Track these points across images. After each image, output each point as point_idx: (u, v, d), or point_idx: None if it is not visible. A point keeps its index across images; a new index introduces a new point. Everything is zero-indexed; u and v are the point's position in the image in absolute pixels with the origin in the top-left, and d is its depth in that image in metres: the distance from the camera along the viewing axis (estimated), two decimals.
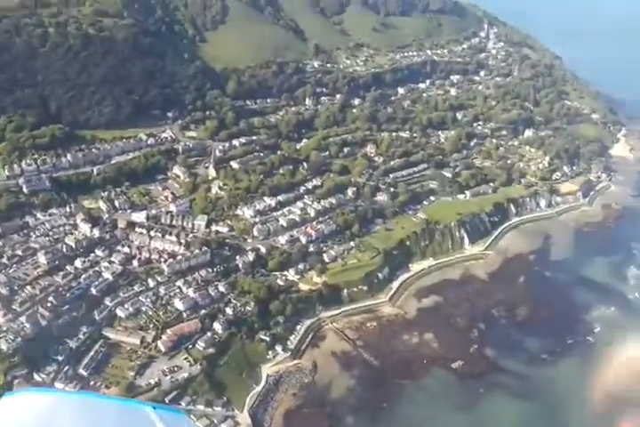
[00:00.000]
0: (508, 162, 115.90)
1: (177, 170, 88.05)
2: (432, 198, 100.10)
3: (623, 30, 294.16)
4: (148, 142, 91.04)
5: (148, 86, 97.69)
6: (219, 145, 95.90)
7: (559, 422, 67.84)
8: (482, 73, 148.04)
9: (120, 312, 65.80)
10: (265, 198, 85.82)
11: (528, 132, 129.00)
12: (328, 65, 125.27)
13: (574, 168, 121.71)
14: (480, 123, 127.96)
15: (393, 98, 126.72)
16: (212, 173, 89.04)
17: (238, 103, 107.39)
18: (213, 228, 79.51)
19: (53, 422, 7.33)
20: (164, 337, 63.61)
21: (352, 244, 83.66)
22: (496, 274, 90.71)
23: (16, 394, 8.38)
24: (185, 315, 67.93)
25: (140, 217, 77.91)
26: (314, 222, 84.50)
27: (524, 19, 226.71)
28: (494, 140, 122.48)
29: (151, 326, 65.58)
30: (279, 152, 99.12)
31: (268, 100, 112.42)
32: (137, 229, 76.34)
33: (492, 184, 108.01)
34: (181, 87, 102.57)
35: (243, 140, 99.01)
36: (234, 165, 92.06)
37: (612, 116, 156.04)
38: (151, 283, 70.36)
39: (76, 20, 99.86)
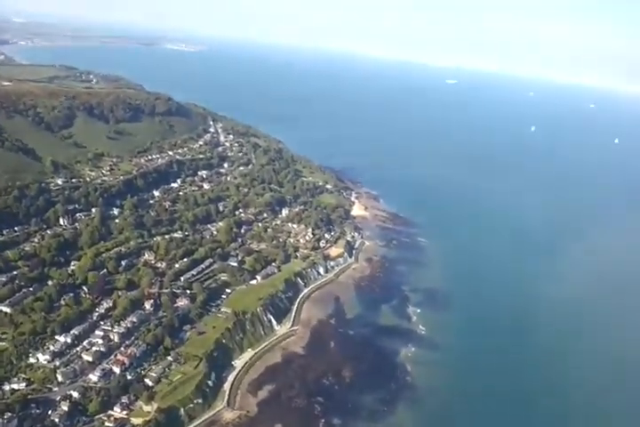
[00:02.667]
0: (280, 240, 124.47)
1: None
2: (228, 291, 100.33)
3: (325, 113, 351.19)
4: None
5: None
6: None
7: None
8: (225, 165, 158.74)
9: None
10: (57, 337, 74.18)
11: (285, 211, 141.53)
12: (73, 180, 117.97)
13: (332, 233, 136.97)
14: (241, 210, 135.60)
15: (152, 201, 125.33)
16: None
17: None
18: (6, 387, 65.26)
19: None
20: None
21: (170, 358, 77.48)
22: (310, 346, 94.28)
23: None
24: None
25: None
26: (122, 348, 76.02)
27: (237, 110, 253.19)
28: (260, 224, 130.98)
29: None
30: (50, 282, 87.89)
31: (17, 229, 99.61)
32: None
33: (274, 264, 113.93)
34: None
35: (2, 278, 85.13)
36: (5, 309, 78.12)
37: (340, 183, 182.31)
38: None
39: None
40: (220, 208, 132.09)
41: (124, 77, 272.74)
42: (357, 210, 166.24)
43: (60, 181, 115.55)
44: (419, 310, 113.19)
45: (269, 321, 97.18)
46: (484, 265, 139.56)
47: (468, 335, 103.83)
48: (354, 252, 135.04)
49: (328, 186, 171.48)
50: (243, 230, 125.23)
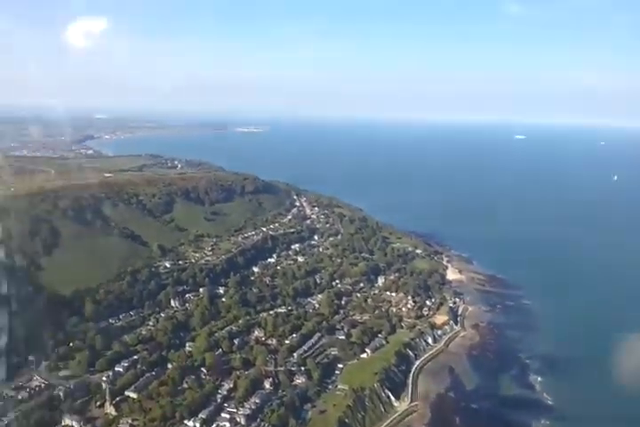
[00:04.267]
0: (382, 310, 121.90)
1: (69, 420, 72.18)
2: (340, 366, 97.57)
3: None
4: (20, 397, 74.32)
5: (2, 332, 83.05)
6: (102, 376, 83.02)
7: None
8: (315, 237, 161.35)
9: None
10: (186, 422, 73.65)
11: (380, 279, 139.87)
12: (180, 262, 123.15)
13: (433, 300, 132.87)
14: (337, 281, 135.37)
15: (252, 278, 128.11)
16: (110, 410, 74.89)
17: (102, 324, 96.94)
18: None
19: None
20: None
21: None
22: (435, 422, 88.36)
23: None
24: None
25: None
26: None
27: (310, 182, 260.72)
28: (359, 294, 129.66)
29: None
30: (170, 365, 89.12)
31: (132, 313, 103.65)
32: None
33: (380, 335, 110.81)
34: (35, 322, 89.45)
35: (125, 363, 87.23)
36: (131, 394, 79.26)
37: (429, 247, 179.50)
38: None
39: None
40: (317, 280, 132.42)
41: (206, 161, 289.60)
42: (452, 274, 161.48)
43: (167, 264, 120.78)
44: (540, 379, 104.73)
45: (388, 397, 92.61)
46: (601, 326, 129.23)
47: (600, 406, 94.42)
48: (458, 318, 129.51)
49: (418, 251, 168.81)
50: (343, 302, 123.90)
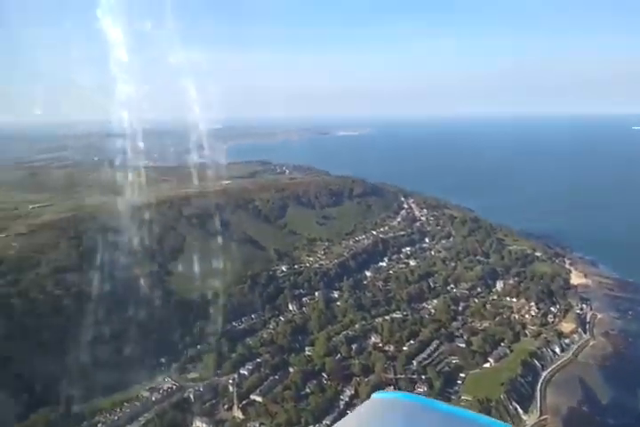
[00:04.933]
0: (504, 317, 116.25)
1: (199, 422, 76.12)
2: (462, 375, 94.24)
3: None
4: (154, 399, 79.79)
5: (136, 336, 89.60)
6: (228, 379, 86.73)
7: None
8: (426, 239, 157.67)
9: None
10: None
11: (499, 284, 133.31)
12: (295, 266, 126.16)
13: (558, 306, 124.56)
14: (452, 285, 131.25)
15: (365, 282, 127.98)
16: (238, 413, 77.99)
17: (226, 327, 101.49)
18: None
19: None
20: None
21: None
22: None
23: (385, 395, 7.73)
24: None
25: None
26: None
27: (416, 184, 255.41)
28: (476, 300, 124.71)
29: None
30: (291, 369, 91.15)
31: (253, 316, 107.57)
32: None
33: (503, 344, 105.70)
34: (165, 326, 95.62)
35: (249, 366, 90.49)
36: (257, 398, 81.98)
37: (549, 250, 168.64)
38: None
39: (36, 283, 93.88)
40: (431, 284, 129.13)
41: (312, 166, 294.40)
42: (576, 278, 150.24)
43: (284, 268, 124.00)
44: None
45: (515, 409, 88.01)
46: None
47: None
48: (587, 326, 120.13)
49: (537, 253, 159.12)
50: (460, 307, 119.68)
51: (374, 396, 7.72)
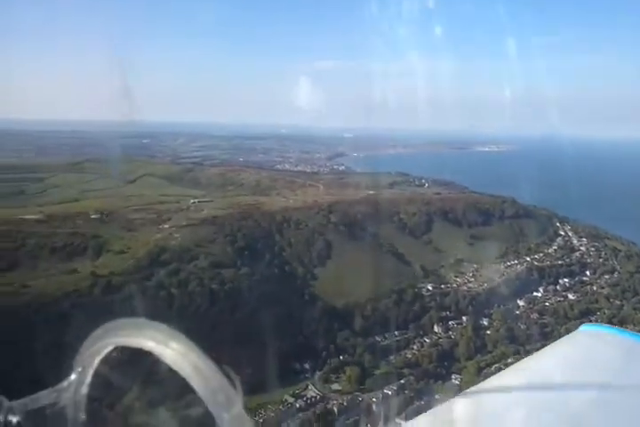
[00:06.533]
0: None
1: None
2: None
3: None
4: (298, 406, 78.15)
5: (281, 338, 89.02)
6: (372, 397, 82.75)
7: None
8: (587, 272, 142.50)
9: None
10: None
11: None
12: (442, 286, 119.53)
13: None
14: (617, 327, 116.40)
15: (517, 312, 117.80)
16: None
17: (369, 341, 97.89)
18: None
19: (627, 363, 6.08)
20: None
21: None
22: None
23: (593, 327, 7.27)
24: None
25: None
26: None
27: (570, 209, 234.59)
28: None
29: None
30: (437, 396, 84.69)
31: (397, 333, 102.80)
32: None
33: None
34: (310, 332, 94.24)
35: (394, 386, 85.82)
36: (401, 422, 76.84)
37: None
38: None
39: (196, 275, 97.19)
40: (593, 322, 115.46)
41: (452, 181, 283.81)
42: None
43: (430, 287, 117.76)
44: None
45: None
46: None
47: None
48: None
49: None
50: None
51: (582, 328, 7.31)
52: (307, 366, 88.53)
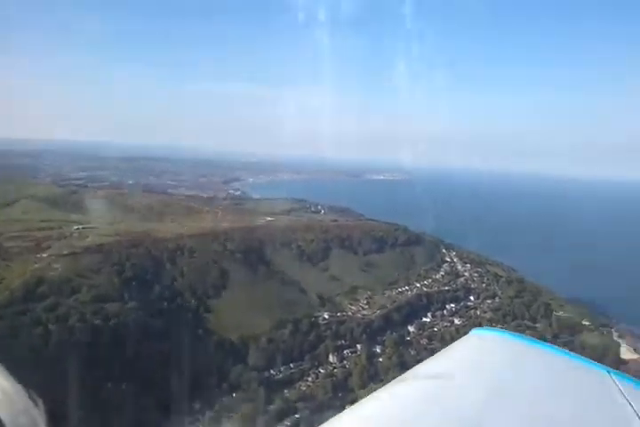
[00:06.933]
0: None
1: None
2: None
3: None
4: None
5: (170, 377, 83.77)
6: None
7: None
8: (471, 297, 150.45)
9: None
10: None
11: None
12: (338, 314, 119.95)
13: None
14: None
15: (409, 338, 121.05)
16: None
17: (264, 375, 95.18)
18: None
19: (516, 365, 6.60)
20: None
21: None
22: None
23: (483, 331, 7.53)
24: None
25: None
26: None
27: (455, 235, 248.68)
28: None
29: None
30: None
31: (292, 365, 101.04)
32: None
33: None
34: (202, 368, 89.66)
35: (287, 422, 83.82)
36: None
37: (595, 319, 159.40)
38: None
39: (77, 310, 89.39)
40: None
41: (347, 207, 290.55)
42: (627, 353, 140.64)
43: (326, 315, 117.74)
44: None
45: None
46: None
47: None
48: None
49: (585, 322, 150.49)
50: None
51: (473, 332, 7.54)
52: (197, 405, 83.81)
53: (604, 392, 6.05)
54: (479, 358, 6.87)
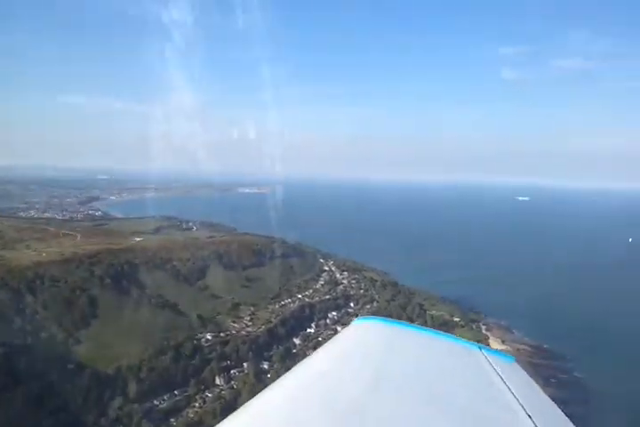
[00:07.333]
0: None
1: None
2: None
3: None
4: None
5: (40, 417, 74.12)
6: None
7: None
8: (351, 304, 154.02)
9: None
10: None
11: None
12: (221, 334, 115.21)
13: None
14: None
15: (295, 350, 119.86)
16: None
17: (147, 406, 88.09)
18: None
19: (395, 348, 7.25)
20: None
21: None
22: None
23: (366, 320, 8.39)
24: None
25: None
26: None
27: (328, 244, 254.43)
28: None
29: None
30: None
31: (177, 393, 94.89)
32: None
33: None
34: (77, 405, 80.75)
35: None
36: None
37: (465, 315, 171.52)
38: None
39: None
40: None
41: (219, 222, 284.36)
42: (496, 344, 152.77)
43: (209, 336, 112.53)
44: None
45: None
46: None
47: None
48: None
49: (456, 319, 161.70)
50: None
51: (355, 321, 8.28)
52: None
53: (478, 365, 7.13)
54: (363, 345, 7.38)
